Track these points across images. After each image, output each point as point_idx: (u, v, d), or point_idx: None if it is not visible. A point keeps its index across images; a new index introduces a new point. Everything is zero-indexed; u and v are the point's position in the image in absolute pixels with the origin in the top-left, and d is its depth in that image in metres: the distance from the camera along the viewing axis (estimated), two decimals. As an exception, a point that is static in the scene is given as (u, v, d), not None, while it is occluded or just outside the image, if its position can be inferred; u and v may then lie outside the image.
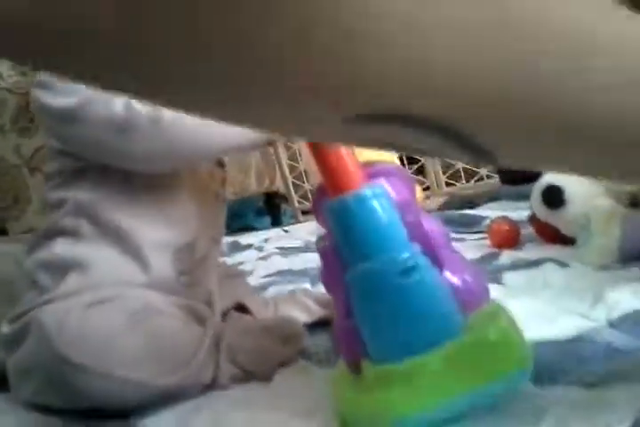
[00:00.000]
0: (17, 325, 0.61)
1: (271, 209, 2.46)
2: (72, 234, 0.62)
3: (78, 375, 0.53)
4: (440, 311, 0.38)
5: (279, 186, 2.42)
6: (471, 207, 1.48)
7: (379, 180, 0.44)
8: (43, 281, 0.62)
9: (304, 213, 2.32)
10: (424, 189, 2.09)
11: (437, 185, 1.98)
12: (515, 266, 0.86)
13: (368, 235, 0.39)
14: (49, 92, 0.59)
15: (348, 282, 0.39)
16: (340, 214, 0.39)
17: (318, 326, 0.71)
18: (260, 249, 1.68)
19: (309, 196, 2.35)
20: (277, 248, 1.61)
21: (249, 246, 1.79)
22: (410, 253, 0.38)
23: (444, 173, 2.05)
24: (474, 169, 2.10)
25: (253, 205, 2.39)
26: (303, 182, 2.31)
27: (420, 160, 2.16)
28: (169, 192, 0.63)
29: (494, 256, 0.96)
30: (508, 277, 0.81)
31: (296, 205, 2.33)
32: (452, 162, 2.09)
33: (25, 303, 0.63)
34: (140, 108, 0.56)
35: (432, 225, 0.44)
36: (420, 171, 2.15)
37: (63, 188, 0.64)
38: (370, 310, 0.38)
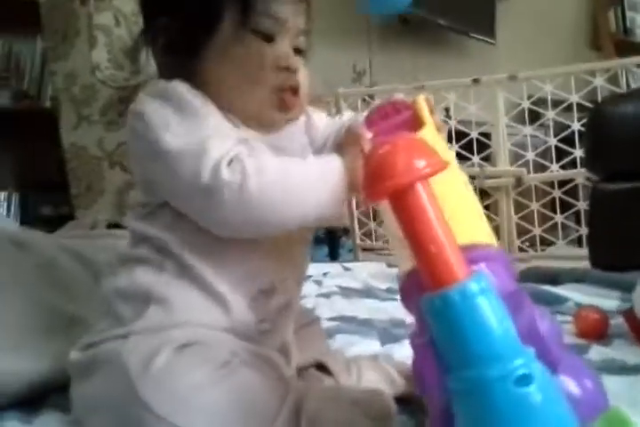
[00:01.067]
0: (89, 353, 0.58)
1: (330, 241, 2.43)
2: (153, 266, 0.59)
3: (156, 425, 0.49)
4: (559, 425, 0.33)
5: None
6: (552, 284, 1.41)
7: (480, 267, 0.39)
8: (121, 311, 0.60)
9: (364, 250, 2.28)
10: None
11: (510, 249, 1.91)
12: (609, 368, 0.82)
13: (476, 337, 0.34)
14: (158, 120, 0.57)
15: (451, 389, 0.35)
16: (442, 312, 0.35)
17: (399, 401, 0.66)
18: (319, 284, 1.65)
19: (372, 234, 2.30)
20: (338, 287, 1.58)
21: (307, 277, 1.76)
22: (524, 358, 0.34)
23: (518, 237, 1.98)
24: (551, 238, 2.03)
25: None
26: (369, 220, 2.27)
27: (495, 219, 2.10)
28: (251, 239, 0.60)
29: (583, 349, 0.93)
30: (605, 382, 0.75)
31: (357, 241, 2.29)
32: (530, 227, 2.03)
33: (100, 332, 0.60)
34: (227, 174, 0.52)
35: (544, 321, 0.38)
36: (494, 230, 2.08)
37: (148, 220, 0.62)
38: (478, 423, 0.33)
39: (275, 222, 0.54)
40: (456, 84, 2.12)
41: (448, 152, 0.52)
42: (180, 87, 0.59)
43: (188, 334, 0.56)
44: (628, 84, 3.11)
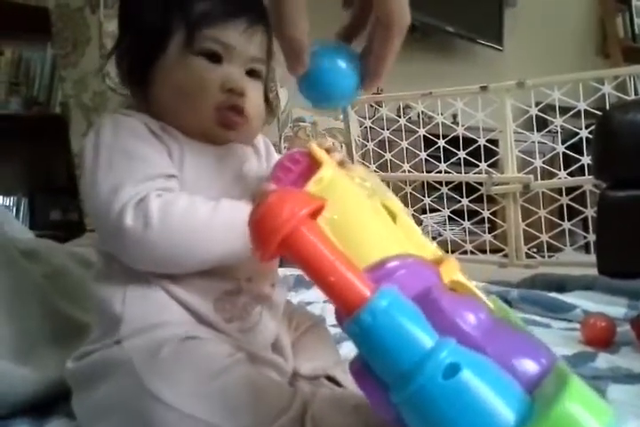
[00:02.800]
0: (85, 362, 0.59)
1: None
2: (119, 280, 0.61)
3: (168, 416, 0.50)
4: (503, 402, 0.33)
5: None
6: (559, 291, 1.41)
7: (388, 280, 0.39)
8: (103, 320, 0.60)
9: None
10: (503, 256, 2.03)
11: (517, 256, 1.91)
12: (616, 376, 0.82)
13: (398, 349, 0.34)
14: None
15: (397, 406, 0.35)
16: (360, 335, 0.35)
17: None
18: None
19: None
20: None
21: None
22: (444, 350, 0.34)
23: (526, 243, 1.98)
24: (558, 245, 2.03)
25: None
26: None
27: (502, 226, 2.11)
28: None
29: (589, 357, 0.92)
30: (612, 390, 0.75)
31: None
32: (537, 233, 2.03)
33: (91, 342, 0.60)
34: (130, 218, 0.55)
35: (459, 305, 0.39)
36: (502, 237, 2.09)
37: None
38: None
39: (181, 262, 0.57)
40: (464, 92, 2.12)
41: (359, 178, 0.54)
42: (130, 123, 0.63)
43: (184, 330, 0.57)
44: (636, 92, 3.10)
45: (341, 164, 0.58)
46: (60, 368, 0.73)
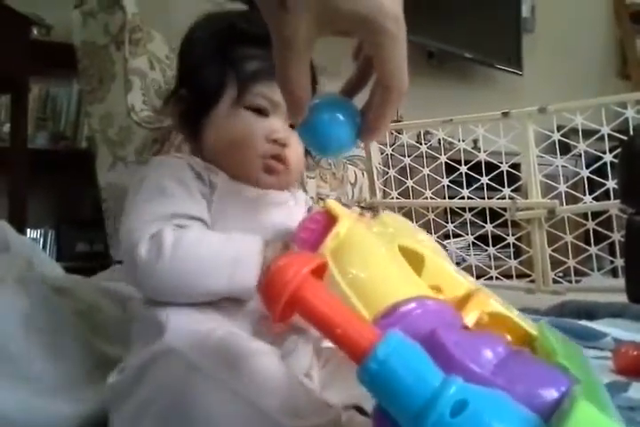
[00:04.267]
0: (128, 372, 0.60)
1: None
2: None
3: (210, 394, 0.51)
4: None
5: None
6: (588, 319, 1.39)
7: (400, 323, 0.41)
8: (145, 335, 0.63)
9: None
10: (530, 282, 2.01)
11: (544, 281, 1.88)
12: None
13: (404, 393, 0.35)
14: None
15: None
16: (369, 384, 0.37)
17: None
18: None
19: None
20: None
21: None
22: (449, 388, 0.34)
23: (552, 268, 1.96)
24: (585, 270, 2.01)
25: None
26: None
27: (527, 251, 2.09)
28: None
29: (622, 387, 0.91)
30: (643, 421, 0.74)
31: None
32: (563, 259, 2.01)
33: (132, 355, 0.62)
34: (143, 252, 0.60)
35: (467, 344, 0.39)
36: (528, 262, 2.07)
37: None
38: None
39: (190, 293, 0.61)
40: (485, 118, 2.13)
41: (379, 226, 0.57)
42: (173, 164, 0.71)
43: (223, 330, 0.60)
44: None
45: (362, 214, 0.64)
46: (95, 403, 0.73)
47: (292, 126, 0.73)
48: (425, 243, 0.53)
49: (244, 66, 0.72)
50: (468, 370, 0.37)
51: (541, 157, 2.13)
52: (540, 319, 1.36)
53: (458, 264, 2.27)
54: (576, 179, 2.12)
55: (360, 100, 0.55)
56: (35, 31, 2.48)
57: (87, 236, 2.68)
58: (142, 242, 0.60)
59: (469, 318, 0.45)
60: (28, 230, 2.54)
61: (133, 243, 0.61)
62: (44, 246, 2.66)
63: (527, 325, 0.47)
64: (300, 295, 0.39)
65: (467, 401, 0.33)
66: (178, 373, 0.54)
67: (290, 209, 0.77)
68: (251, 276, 0.60)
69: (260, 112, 0.73)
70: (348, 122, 0.53)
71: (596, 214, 2.03)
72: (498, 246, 2.19)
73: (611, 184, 1.92)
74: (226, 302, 0.63)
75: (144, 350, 0.60)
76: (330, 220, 0.54)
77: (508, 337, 0.46)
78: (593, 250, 1.98)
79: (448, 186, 2.24)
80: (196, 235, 0.62)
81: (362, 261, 0.48)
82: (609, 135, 1.97)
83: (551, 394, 0.36)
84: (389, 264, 0.48)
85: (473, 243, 2.27)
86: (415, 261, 0.51)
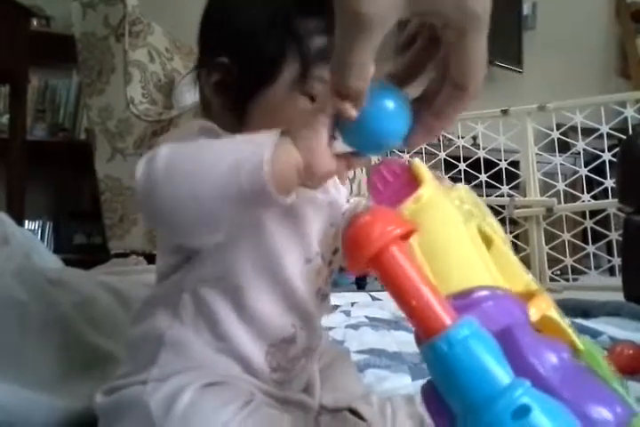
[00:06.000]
0: (112, 398, 0.58)
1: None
2: (170, 308, 0.59)
3: None
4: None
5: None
6: (585, 317, 1.39)
7: (473, 310, 0.39)
8: (138, 356, 0.60)
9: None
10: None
11: (541, 279, 1.89)
12: None
13: (467, 382, 0.35)
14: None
15: None
16: (433, 361, 0.36)
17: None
18: (347, 314, 1.64)
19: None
20: (367, 317, 1.56)
21: (335, 307, 1.76)
22: (516, 390, 0.33)
23: (549, 266, 1.97)
24: (582, 268, 2.01)
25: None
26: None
27: (525, 249, 2.09)
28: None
29: None
30: None
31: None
32: (561, 257, 2.01)
33: (120, 377, 0.60)
34: (142, 164, 0.49)
35: (540, 347, 0.38)
36: (525, 260, 2.07)
37: (174, 259, 0.61)
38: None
39: (191, 192, 0.48)
40: (485, 115, 2.13)
41: (458, 200, 0.52)
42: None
43: (206, 375, 0.56)
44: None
45: (441, 182, 0.52)
46: (86, 397, 0.73)
47: None
48: (495, 228, 0.51)
49: (310, 41, 0.58)
50: (538, 375, 0.36)
51: (540, 154, 2.13)
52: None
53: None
54: (574, 177, 2.12)
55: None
56: (34, 22, 2.47)
57: (85, 228, 2.68)
58: (138, 169, 0.49)
59: (532, 317, 0.45)
60: (26, 222, 2.53)
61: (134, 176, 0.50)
62: (42, 238, 2.66)
63: (575, 337, 0.46)
64: (385, 257, 0.37)
65: (530, 407, 0.33)
66: None
67: (331, 210, 0.66)
68: (260, 161, 0.46)
69: (313, 100, 0.58)
70: (404, 115, 0.46)
71: (593, 213, 2.03)
72: (495, 244, 2.19)
73: (609, 183, 1.93)
74: (252, 318, 0.58)
75: (127, 379, 0.58)
76: (410, 177, 0.50)
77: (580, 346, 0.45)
78: (590, 248, 1.99)
79: (447, 183, 2.24)
80: (194, 143, 0.52)
81: (441, 234, 0.44)
82: (608, 134, 1.97)
83: (607, 416, 0.36)
84: (469, 244, 0.47)
85: (470, 240, 2.27)
86: (484, 244, 0.49)
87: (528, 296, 0.45)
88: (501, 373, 0.34)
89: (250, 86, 0.60)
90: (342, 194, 0.69)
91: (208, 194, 0.47)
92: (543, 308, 0.44)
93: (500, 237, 0.50)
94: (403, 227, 0.38)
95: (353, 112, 0.45)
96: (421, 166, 0.51)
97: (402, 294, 0.37)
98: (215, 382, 0.55)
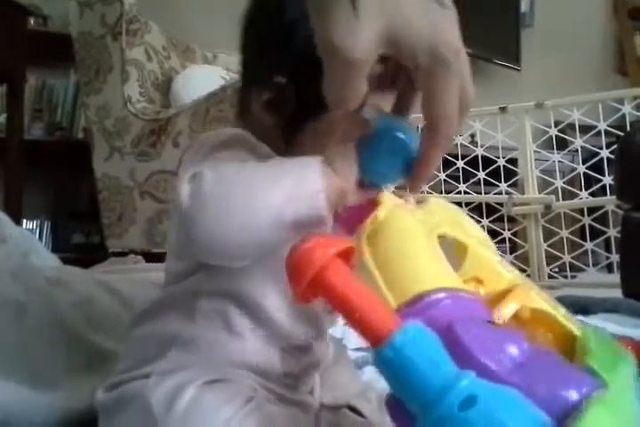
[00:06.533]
0: (113, 394, 0.58)
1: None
2: (184, 309, 0.59)
3: None
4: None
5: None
6: (583, 314, 1.39)
7: (425, 313, 0.40)
8: (143, 351, 0.59)
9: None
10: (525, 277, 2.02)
11: (539, 276, 1.89)
12: None
13: (415, 383, 0.35)
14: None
15: None
16: (382, 369, 0.37)
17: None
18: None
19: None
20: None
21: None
22: (460, 383, 0.34)
23: (548, 263, 1.97)
24: (580, 265, 2.02)
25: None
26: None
27: (523, 246, 2.09)
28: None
29: None
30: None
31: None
32: (559, 254, 2.01)
33: (122, 372, 0.60)
34: (187, 187, 0.48)
35: (487, 339, 0.39)
36: (523, 257, 2.08)
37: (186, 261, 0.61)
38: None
39: (242, 222, 0.47)
40: (483, 113, 2.13)
41: (423, 213, 0.52)
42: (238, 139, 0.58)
43: (210, 371, 0.56)
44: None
45: (407, 200, 0.54)
46: (85, 396, 0.73)
47: None
48: (471, 232, 0.52)
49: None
50: (483, 366, 0.37)
51: (538, 152, 2.13)
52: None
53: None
54: (572, 174, 2.12)
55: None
56: (32, 21, 2.47)
57: (83, 227, 2.67)
58: (181, 187, 0.48)
59: (505, 312, 0.45)
60: (24, 221, 2.53)
61: (177, 196, 0.48)
62: (40, 238, 2.65)
63: (571, 324, 0.46)
64: (323, 277, 0.39)
65: (476, 397, 0.33)
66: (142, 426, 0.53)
67: None
68: (316, 190, 0.46)
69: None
70: (410, 150, 0.47)
71: (592, 210, 2.04)
72: (494, 241, 2.16)
73: (607, 180, 1.93)
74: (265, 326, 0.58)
75: (130, 373, 0.58)
76: (374, 204, 0.52)
77: (549, 336, 0.45)
78: (589, 245, 1.99)
79: (445, 180, 2.24)
80: (240, 163, 0.51)
81: (395, 246, 0.46)
82: (606, 131, 1.97)
83: (571, 396, 0.36)
84: (423, 253, 0.48)
85: (469, 238, 2.27)
86: (459, 250, 0.50)
87: (506, 291, 0.46)
88: (445, 369, 0.35)
89: (305, 110, 0.60)
90: None
91: (261, 224, 0.47)
92: (522, 300, 0.45)
93: (479, 239, 0.51)
94: (337, 247, 0.40)
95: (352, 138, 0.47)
96: (383, 194, 0.53)
97: (345, 310, 0.38)
98: (217, 380, 0.55)
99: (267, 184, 0.47)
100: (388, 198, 0.50)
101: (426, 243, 0.48)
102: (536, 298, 0.46)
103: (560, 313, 0.46)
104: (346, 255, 0.41)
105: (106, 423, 0.59)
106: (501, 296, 0.46)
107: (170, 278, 0.64)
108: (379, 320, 0.37)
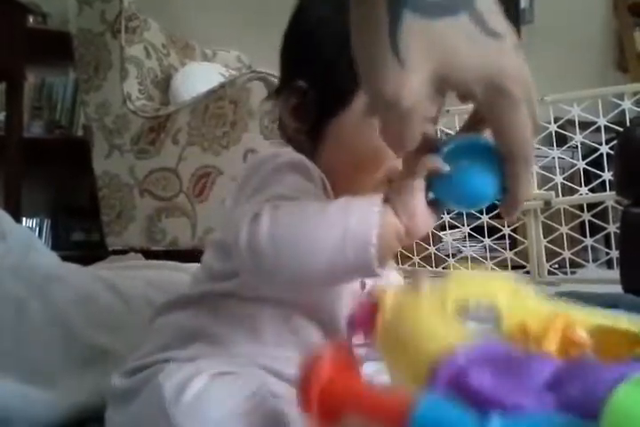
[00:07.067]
0: (132, 380, 0.59)
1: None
2: (210, 307, 0.61)
3: None
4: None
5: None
6: (583, 309, 1.39)
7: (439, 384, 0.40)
8: (167, 339, 0.61)
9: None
10: (525, 273, 2.02)
11: (539, 272, 1.89)
12: None
13: None
14: None
15: None
16: None
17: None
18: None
19: (397, 256, 2.31)
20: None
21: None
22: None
23: (547, 259, 1.97)
24: (580, 261, 2.02)
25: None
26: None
27: (523, 242, 2.10)
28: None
29: None
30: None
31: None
32: (559, 250, 2.01)
33: (142, 357, 0.61)
34: (245, 233, 0.49)
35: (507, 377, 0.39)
36: (523, 253, 2.08)
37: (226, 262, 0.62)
38: None
39: (296, 269, 0.49)
40: (482, 109, 2.12)
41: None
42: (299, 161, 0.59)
43: (223, 363, 0.57)
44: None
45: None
46: (85, 393, 0.74)
47: None
48: (497, 287, 0.51)
49: None
50: (510, 405, 0.37)
51: (538, 148, 2.13)
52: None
53: (454, 255, 2.28)
54: (572, 170, 2.13)
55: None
56: (31, 19, 2.47)
57: (83, 225, 2.68)
58: (242, 228, 0.49)
59: (550, 346, 0.45)
60: (24, 219, 2.53)
61: (235, 233, 0.50)
62: (40, 235, 2.66)
63: (623, 324, 0.46)
64: (330, 392, 0.39)
65: None
66: (153, 415, 0.54)
67: None
68: (369, 236, 0.45)
69: None
70: (491, 171, 0.45)
71: (591, 206, 2.04)
72: (493, 237, 2.19)
73: (607, 176, 1.93)
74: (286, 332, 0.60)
75: (151, 358, 0.60)
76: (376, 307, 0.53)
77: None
78: (588, 241, 1.99)
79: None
80: (294, 203, 0.51)
81: (409, 338, 0.47)
82: (606, 127, 1.97)
83: (608, 387, 0.36)
84: (437, 334, 0.48)
85: (469, 234, 2.28)
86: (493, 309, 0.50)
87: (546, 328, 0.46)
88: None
89: (325, 113, 0.61)
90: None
91: (313, 267, 0.48)
92: (562, 328, 0.45)
93: (509, 291, 0.51)
94: (335, 366, 0.41)
95: (445, 166, 0.44)
96: (380, 293, 0.53)
97: (364, 412, 0.39)
98: (227, 372, 0.56)
99: (320, 228, 0.48)
100: (388, 298, 0.50)
101: (437, 320, 0.47)
102: (579, 318, 0.46)
103: (623, 322, 0.45)
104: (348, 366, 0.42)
105: (117, 409, 0.60)
106: (544, 333, 0.46)
107: (205, 273, 0.65)
108: (395, 409, 0.37)
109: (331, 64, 0.62)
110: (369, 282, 0.65)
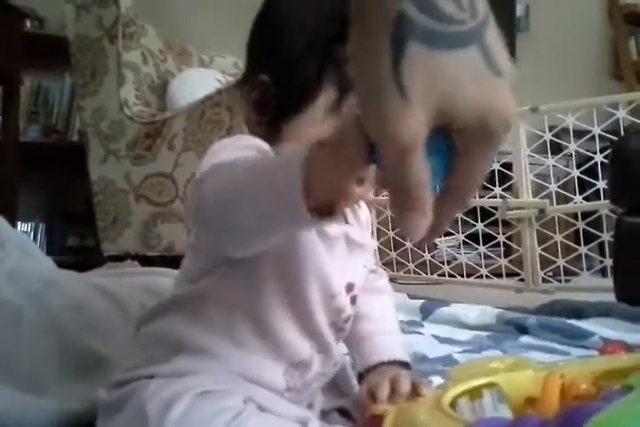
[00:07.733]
0: (116, 393, 0.59)
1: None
2: (191, 313, 0.60)
3: None
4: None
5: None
6: (577, 318, 1.40)
7: None
8: (151, 352, 0.60)
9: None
10: (519, 281, 2.03)
11: (533, 280, 1.90)
12: None
13: None
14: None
15: None
16: None
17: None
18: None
19: (393, 263, 2.31)
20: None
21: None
22: None
23: (542, 267, 1.97)
24: (574, 269, 2.02)
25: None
26: (390, 250, 2.26)
27: (517, 250, 2.10)
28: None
29: None
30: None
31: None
32: (553, 258, 2.02)
33: (127, 370, 0.60)
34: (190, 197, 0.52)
35: None
36: (517, 261, 2.08)
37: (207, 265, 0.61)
38: None
39: (231, 209, 0.49)
40: (477, 117, 2.13)
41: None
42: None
43: (209, 380, 0.56)
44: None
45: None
46: (80, 399, 0.74)
47: None
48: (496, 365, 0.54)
49: (346, 71, 0.56)
50: None
51: (532, 156, 2.14)
52: (529, 318, 1.38)
53: (449, 263, 2.28)
54: (567, 179, 2.13)
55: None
56: (28, 24, 2.47)
57: (78, 230, 2.67)
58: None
59: (548, 406, 0.47)
60: (19, 224, 2.53)
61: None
62: (35, 240, 2.65)
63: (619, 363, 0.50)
64: None
65: None
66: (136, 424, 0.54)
67: (348, 244, 0.65)
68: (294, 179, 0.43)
69: None
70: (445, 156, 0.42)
71: (586, 214, 2.04)
72: (488, 245, 2.20)
73: (601, 184, 1.94)
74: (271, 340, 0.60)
75: (134, 372, 0.59)
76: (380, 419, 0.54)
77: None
78: (582, 250, 2.00)
79: (440, 184, 2.25)
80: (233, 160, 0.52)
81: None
82: (600, 136, 1.98)
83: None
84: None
85: (463, 241, 2.28)
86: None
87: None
88: None
89: (286, 108, 0.61)
90: (363, 219, 0.69)
91: (244, 205, 0.48)
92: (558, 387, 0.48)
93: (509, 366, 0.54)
94: None
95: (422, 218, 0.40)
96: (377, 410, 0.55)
97: None
98: (213, 391, 0.55)
99: (252, 180, 0.48)
100: (391, 412, 0.52)
101: (433, 421, 0.49)
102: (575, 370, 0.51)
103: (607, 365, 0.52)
104: None
105: (105, 422, 0.60)
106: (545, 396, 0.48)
107: (183, 276, 0.65)
108: None
109: (295, 62, 0.61)
110: (356, 283, 0.65)
